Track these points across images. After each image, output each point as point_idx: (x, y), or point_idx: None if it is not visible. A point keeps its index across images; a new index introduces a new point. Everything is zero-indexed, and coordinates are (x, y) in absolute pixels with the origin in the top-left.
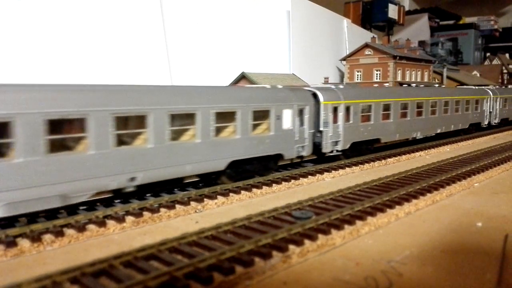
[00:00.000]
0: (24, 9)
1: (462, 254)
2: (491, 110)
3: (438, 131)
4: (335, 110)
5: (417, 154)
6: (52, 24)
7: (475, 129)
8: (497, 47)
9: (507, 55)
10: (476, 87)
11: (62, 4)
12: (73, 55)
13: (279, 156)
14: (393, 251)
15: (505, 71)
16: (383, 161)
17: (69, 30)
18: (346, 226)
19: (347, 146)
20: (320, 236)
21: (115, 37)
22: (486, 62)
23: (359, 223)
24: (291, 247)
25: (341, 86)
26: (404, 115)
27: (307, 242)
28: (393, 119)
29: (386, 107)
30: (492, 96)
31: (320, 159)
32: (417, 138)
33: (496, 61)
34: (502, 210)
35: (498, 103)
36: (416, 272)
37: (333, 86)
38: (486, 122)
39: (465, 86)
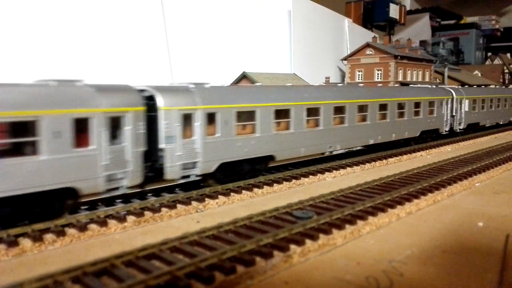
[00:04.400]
0: (24, 7)
1: (463, 254)
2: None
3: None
4: None
5: (418, 154)
6: (53, 23)
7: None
8: (498, 46)
9: (508, 54)
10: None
11: (63, 2)
12: (74, 53)
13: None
14: (394, 251)
15: (506, 71)
16: (384, 161)
17: (70, 29)
18: (347, 226)
19: None
20: (321, 235)
21: (116, 35)
22: (488, 62)
23: (360, 223)
24: (292, 246)
25: None
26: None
27: (308, 241)
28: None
29: None
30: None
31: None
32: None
33: (497, 61)
34: (503, 210)
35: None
36: (417, 272)
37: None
38: None
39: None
